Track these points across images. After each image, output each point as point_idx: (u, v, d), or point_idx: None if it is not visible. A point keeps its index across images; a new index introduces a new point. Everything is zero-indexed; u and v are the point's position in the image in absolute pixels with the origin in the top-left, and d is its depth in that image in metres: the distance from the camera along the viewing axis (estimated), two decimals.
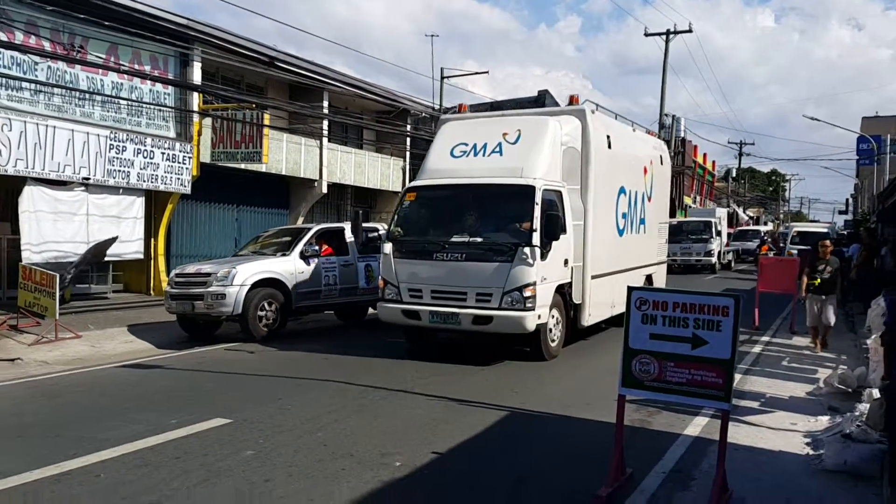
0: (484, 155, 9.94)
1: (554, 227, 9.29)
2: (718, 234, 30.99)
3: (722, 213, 36.07)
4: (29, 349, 10.69)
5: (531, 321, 9.16)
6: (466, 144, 10.16)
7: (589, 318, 10.70)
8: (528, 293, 9.10)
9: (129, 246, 15.08)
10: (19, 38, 12.95)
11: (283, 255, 12.22)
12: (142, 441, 5.89)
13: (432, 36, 39.16)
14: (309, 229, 12.82)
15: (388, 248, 9.91)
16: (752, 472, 5.40)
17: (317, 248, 12.45)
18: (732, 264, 34.31)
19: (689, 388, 4.63)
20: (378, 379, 8.42)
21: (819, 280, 11.00)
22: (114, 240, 13.59)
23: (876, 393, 6.60)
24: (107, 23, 14.01)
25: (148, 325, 12.73)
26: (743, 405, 7.35)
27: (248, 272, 11.42)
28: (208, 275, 11.35)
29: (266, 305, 11.55)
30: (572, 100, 10.91)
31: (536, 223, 9.17)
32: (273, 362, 9.83)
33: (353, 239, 12.72)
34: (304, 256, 12.20)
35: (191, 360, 9.97)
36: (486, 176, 9.67)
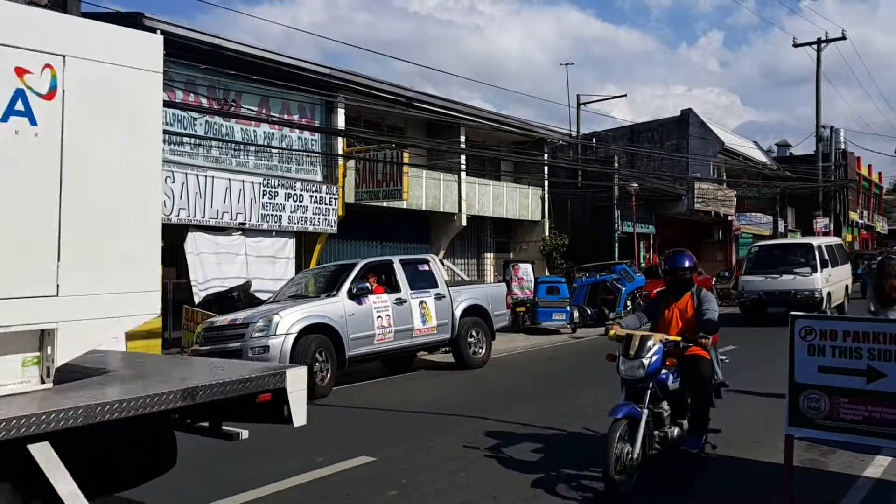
0: None
1: None
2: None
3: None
4: None
5: None
6: None
7: None
8: None
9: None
10: (179, 96, 14.08)
11: (330, 295, 10.71)
12: (289, 480, 6.01)
13: (567, 64, 38.89)
14: (355, 264, 11.31)
15: None
16: None
17: (366, 284, 10.83)
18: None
19: (867, 427, 4.15)
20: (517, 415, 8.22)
21: None
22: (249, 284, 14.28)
23: None
24: (257, 77, 14.94)
25: None
26: None
27: (293, 318, 9.89)
28: (245, 325, 9.94)
29: (319, 356, 9.92)
30: None
31: None
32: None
33: (403, 273, 11.49)
34: (354, 296, 10.62)
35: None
36: None
